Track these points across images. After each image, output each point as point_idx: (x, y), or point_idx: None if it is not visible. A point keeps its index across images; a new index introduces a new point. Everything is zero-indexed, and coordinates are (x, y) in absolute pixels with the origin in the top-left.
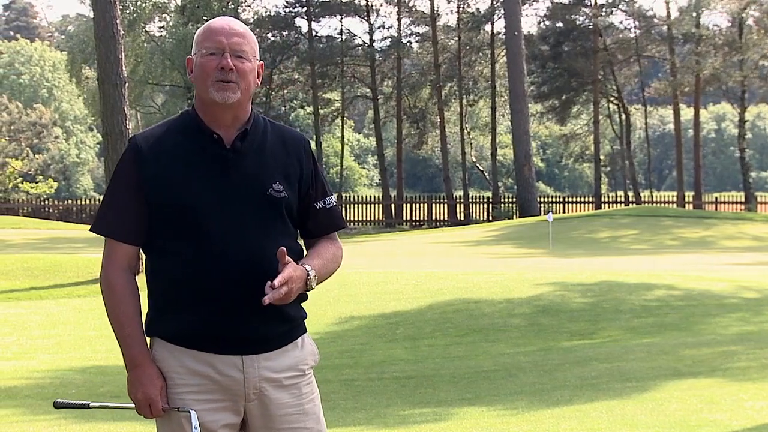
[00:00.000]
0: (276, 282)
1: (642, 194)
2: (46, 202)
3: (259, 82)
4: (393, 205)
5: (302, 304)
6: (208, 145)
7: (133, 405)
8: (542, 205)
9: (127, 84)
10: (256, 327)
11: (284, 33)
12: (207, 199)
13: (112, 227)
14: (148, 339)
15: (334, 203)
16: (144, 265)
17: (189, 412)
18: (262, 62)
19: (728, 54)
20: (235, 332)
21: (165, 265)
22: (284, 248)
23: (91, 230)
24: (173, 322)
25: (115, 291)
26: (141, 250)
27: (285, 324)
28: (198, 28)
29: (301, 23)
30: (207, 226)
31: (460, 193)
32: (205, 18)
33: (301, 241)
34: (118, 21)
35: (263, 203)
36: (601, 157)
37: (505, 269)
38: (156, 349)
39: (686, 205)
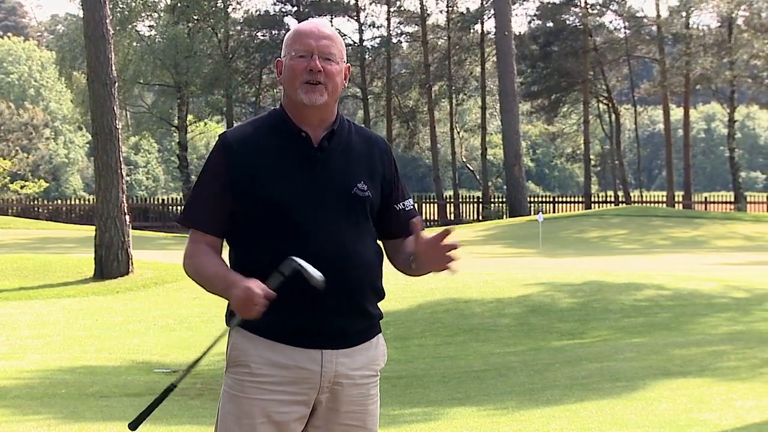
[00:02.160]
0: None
1: (632, 194)
2: (36, 202)
3: (346, 83)
4: None
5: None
6: (297, 143)
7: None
8: (532, 204)
9: (117, 83)
10: (337, 322)
11: (274, 32)
12: (294, 195)
13: (195, 218)
14: (229, 329)
15: (413, 206)
16: (228, 258)
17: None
18: (348, 64)
19: (718, 54)
20: (317, 326)
21: (249, 257)
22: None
23: (177, 221)
24: None
25: (195, 254)
26: (226, 242)
27: (365, 321)
28: (188, 27)
29: (291, 22)
30: (293, 221)
31: (450, 192)
32: (195, 18)
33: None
34: (108, 20)
35: (348, 201)
36: (591, 157)
37: (494, 269)
38: (236, 338)
39: (676, 205)
